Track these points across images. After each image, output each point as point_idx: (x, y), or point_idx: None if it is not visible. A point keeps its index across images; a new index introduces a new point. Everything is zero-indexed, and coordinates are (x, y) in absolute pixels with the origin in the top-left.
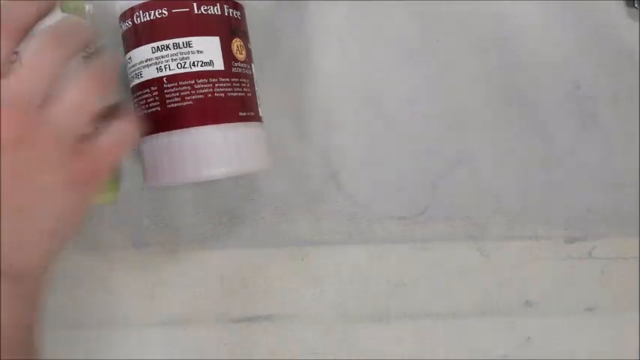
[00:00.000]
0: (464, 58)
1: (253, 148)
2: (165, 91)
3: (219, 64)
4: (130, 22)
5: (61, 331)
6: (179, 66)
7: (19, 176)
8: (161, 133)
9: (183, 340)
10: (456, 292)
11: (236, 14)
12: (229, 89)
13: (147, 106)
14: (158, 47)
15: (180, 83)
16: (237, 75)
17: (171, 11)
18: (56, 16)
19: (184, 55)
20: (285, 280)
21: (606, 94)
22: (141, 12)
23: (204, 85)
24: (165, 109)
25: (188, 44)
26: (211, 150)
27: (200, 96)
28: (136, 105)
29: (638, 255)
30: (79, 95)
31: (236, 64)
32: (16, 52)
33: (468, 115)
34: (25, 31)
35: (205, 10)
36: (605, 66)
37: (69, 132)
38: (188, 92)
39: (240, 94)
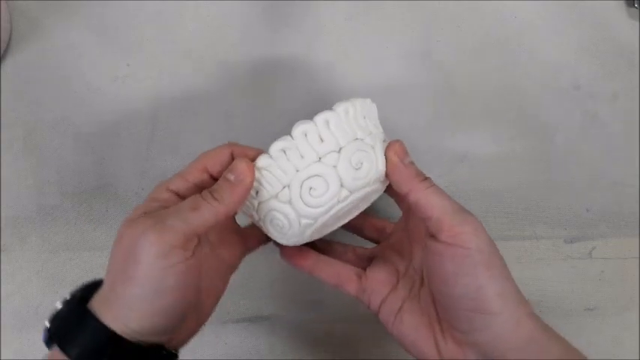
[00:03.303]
0: (464, 58)
1: None
2: None
3: None
4: None
5: None
6: None
7: None
8: None
9: None
10: None
11: None
12: None
13: None
14: None
15: None
16: None
17: None
18: None
19: None
20: (285, 280)
21: (606, 94)
22: None
23: None
24: None
25: None
26: None
27: None
28: None
29: (638, 255)
30: None
31: None
32: None
33: (468, 115)
34: None
35: None
36: (605, 66)
37: None
38: None
39: None
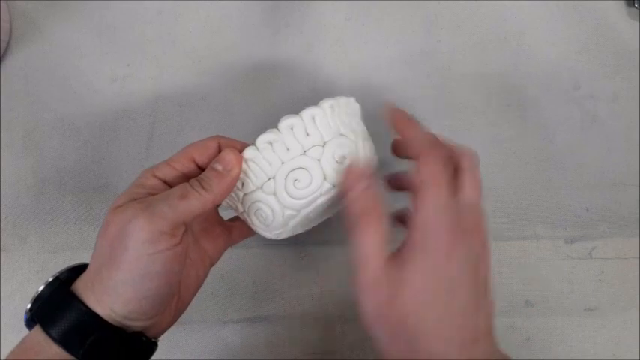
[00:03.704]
0: (464, 58)
1: None
2: None
3: None
4: None
5: None
6: None
7: None
8: None
9: (183, 340)
10: None
11: None
12: None
13: None
14: None
15: None
16: None
17: None
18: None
19: None
20: (285, 280)
21: (606, 94)
22: None
23: None
24: None
25: None
26: None
27: None
28: None
29: (638, 255)
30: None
31: None
32: None
33: (468, 115)
34: None
35: None
36: (605, 66)
37: None
38: None
39: None
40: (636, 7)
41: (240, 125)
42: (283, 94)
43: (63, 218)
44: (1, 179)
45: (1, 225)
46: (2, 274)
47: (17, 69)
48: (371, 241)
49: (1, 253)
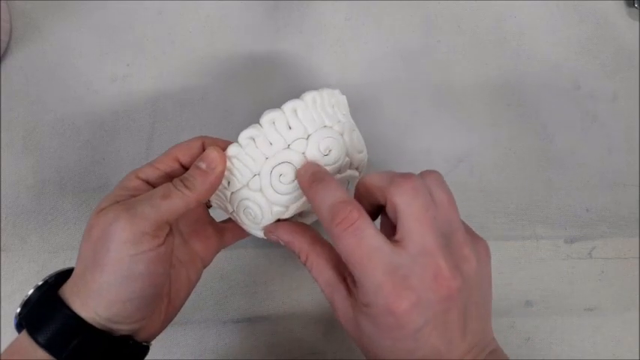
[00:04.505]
0: (464, 58)
1: None
2: None
3: None
4: None
5: None
6: None
7: None
8: None
9: (183, 340)
10: None
11: None
12: None
13: None
14: None
15: None
16: None
17: None
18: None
19: None
20: (285, 280)
21: (606, 94)
22: None
23: None
24: None
25: None
26: None
27: None
28: None
29: (638, 255)
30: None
31: None
32: None
33: (468, 115)
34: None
35: None
36: (605, 66)
37: None
38: None
39: None
40: (636, 7)
41: (240, 125)
42: (283, 94)
43: (63, 218)
44: (1, 179)
45: (1, 225)
46: (2, 274)
47: (17, 69)
48: (332, 192)
49: (1, 253)
